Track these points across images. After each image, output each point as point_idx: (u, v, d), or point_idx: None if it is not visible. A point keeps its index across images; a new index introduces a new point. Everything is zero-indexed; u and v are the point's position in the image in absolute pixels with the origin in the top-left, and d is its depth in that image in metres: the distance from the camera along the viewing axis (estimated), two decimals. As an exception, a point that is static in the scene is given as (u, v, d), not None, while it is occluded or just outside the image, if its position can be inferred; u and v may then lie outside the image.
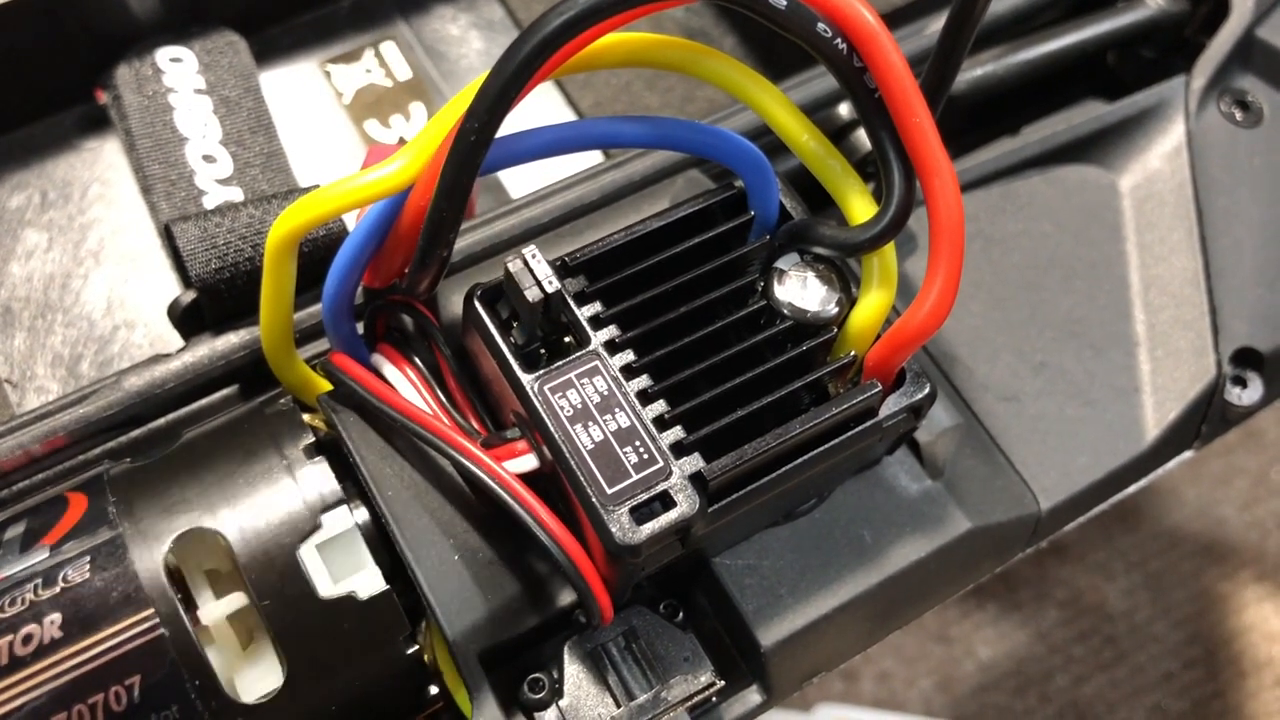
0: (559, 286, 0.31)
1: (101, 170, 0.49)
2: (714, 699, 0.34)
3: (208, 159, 0.46)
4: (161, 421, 0.38)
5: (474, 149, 0.29)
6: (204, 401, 0.38)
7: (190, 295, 0.39)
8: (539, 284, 0.31)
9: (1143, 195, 0.42)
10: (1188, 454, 0.40)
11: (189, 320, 0.39)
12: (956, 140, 0.44)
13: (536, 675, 0.34)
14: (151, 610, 0.30)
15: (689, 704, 0.33)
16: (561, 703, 0.33)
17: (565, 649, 0.33)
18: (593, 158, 0.46)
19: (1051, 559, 0.64)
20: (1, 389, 0.43)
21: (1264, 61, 0.44)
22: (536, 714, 0.34)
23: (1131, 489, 0.39)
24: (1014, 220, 0.41)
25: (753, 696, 0.35)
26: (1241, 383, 0.40)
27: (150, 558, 0.31)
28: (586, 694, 0.33)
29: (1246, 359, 0.40)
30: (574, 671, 0.33)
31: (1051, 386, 0.39)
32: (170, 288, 0.46)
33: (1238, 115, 0.43)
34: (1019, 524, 0.37)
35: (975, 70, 0.43)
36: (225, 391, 0.39)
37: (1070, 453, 0.38)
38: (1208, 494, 0.68)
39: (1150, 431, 0.39)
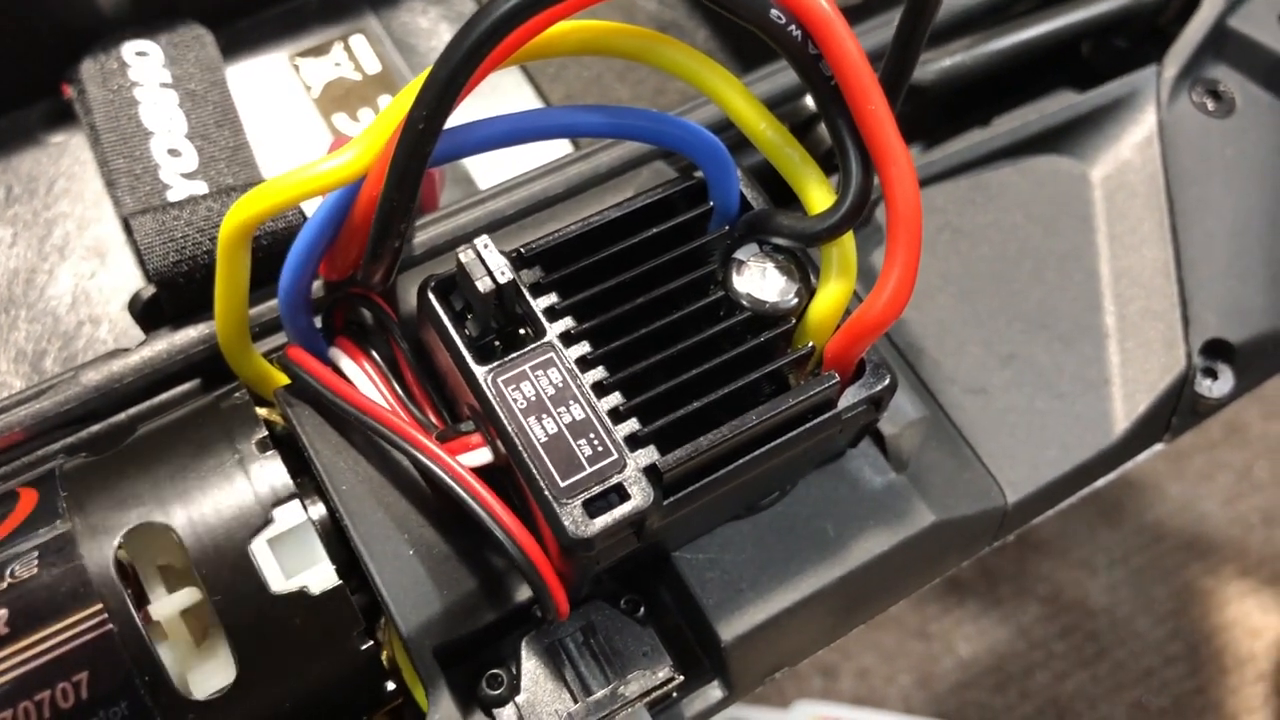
0: (512, 277, 0.31)
1: (67, 165, 0.48)
2: (674, 695, 0.34)
3: (173, 153, 0.45)
4: (121, 417, 0.38)
5: (422, 137, 0.28)
6: (163, 396, 0.38)
7: (150, 290, 0.39)
8: (491, 274, 0.30)
9: (1114, 186, 0.41)
10: (1158, 446, 0.40)
11: (149, 314, 0.39)
12: (927, 133, 0.43)
13: (495, 671, 0.33)
14: (100, 605, 0.30)
15: (647, 699, 0.32)
16: (519, 699, 0.32)
17: (522, 645, 0.33)
18: (560, 150, 0.46)
19: (1033, 554, 0.64)
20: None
21: (1236, 51, 0.43)
22: (495, 710, 0.33)
23: (1101, 482, 0.39)
24: (983, 211, 0.41)
25: (714, 692, 0.34)
26: (1212, 374, 0.39)
27: (100, 552, 0.30)
28: (544, 690, 0.32)
29: (1217, 350, 0.39)
30: (531, 667, 0.33)
31: (1020, 379, 0.39)
32: (135, 283, 0.46)
33: (1210, 105, 0.42)
34: (985, 517, 0.37)
35: (945, 60, 0.43)
36: (186, 386, 0.38)
37: (1038, 445, 0.38)
38: (1190, 490, 0.68)
39: (1119, 424, 0.38)
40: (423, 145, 0.29)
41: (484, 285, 0.30)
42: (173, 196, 0.45)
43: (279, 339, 0.38)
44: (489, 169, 0.49)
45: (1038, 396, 0.38)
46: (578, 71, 0.52)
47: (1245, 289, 0.40)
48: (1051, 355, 0.39)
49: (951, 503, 0.36)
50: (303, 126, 0.49)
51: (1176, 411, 0.39)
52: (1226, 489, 0.68)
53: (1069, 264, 0.40)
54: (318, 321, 0.36)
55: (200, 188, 0.45)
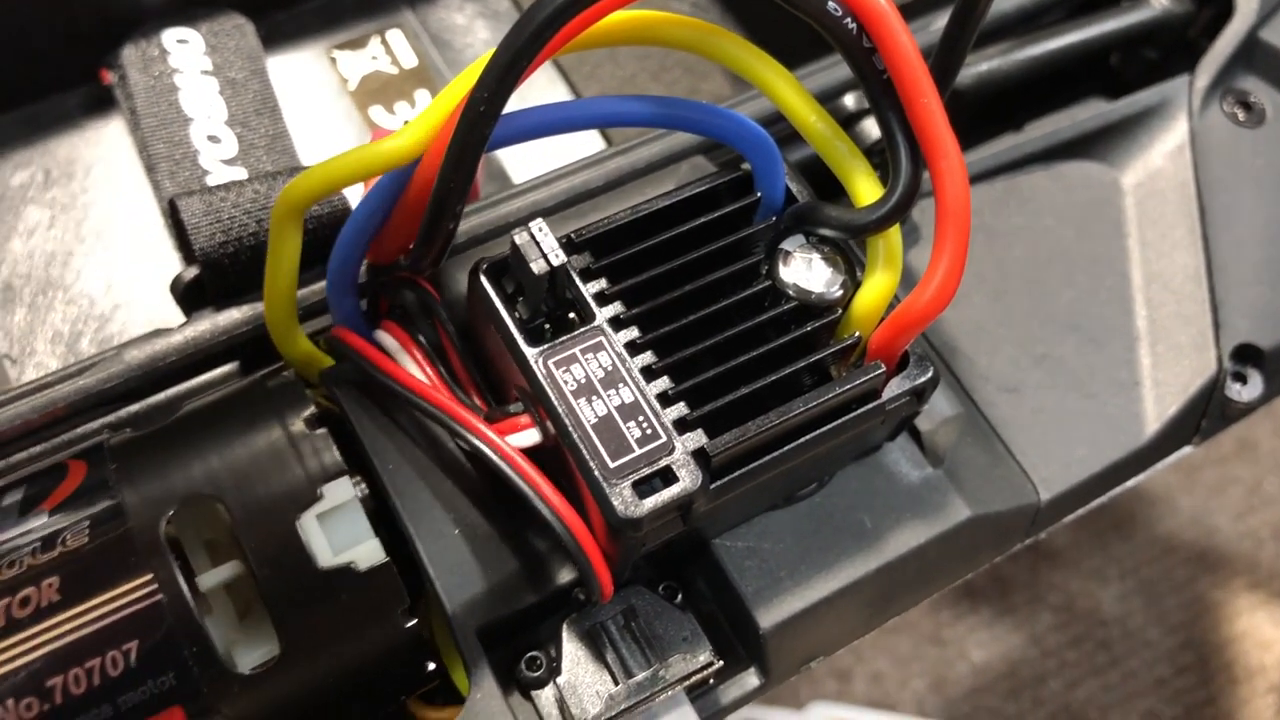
0: (565, 260, 0.31)
1: (105, 150, 0.49)
2: (711, 680, 0.34)
3: (212, 139, 0.46)
4: (161, 396, 0.38)
5: (482, 119, 0.29)
6: (204, 377, 0.38)
7: (193, 271, 0.39)
8: (545, 256, 0.31)
9: (1145, 192, 0.42)
10: (1187, 449, 0.40)
11: (191, 296, 0.39)
12: (962, 135, 0.44)
13: (534, 654, 0.34)
14: (150, 576, 0.30)
15: (687, 683, 0.33)
16: (559, 680, 0.33)
17: (564, 627, 0.33)
18: (595, 146, 0.46)
19: (1045, 564, 0.64)
20: (0, 365, 0.43)
21: (1267, 63, 0.44)
22: (534, 692, 0.34)
23: (1131, 482, 0.39)
24: (1017, 214, 0.42)
25: (750, 679, 0.35)
26: (1241, 379, 0.40)
27: (149, 524, 0.31)
28: (585, 671, 0.33)
29: (1247, 355, 0.40)
30: (572, 650, 0.33)
31: (1052, 379, 0.39)
32: (171, 267, 0.46)
33: (1240, 115, 0.43)
34: (1018, 514, 0.37)
35: (981, 66, 0.43)
36: (225, 368, 0.38)
37: (1070, 444, 0.38)
38: (1202, 503, 0.68)
39: (1150, 425, 0.39)
40: (482, 126, 0.29)
41: (538, 267, 0.31)
42: (211, 181, 0.45)
43: (321, 323, 0.38)
44: (522, 163, 0.49)
45: (1070, 396, 0.39)
46: (612, 70, 0.52)
47: (1275, 295, 0.40)
48: (1083, 356, 0.39)
49: (986, 498, 0.36)
50: (339, 118, 0.50)
51: (1206, 414, 0.40)
52: (1237, 503, 0.68)
53: (1101, 267, 0.41)
54: (362, 305, 0.37)
55: (239, 174, 0.45)
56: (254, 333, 0.38)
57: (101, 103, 0.49)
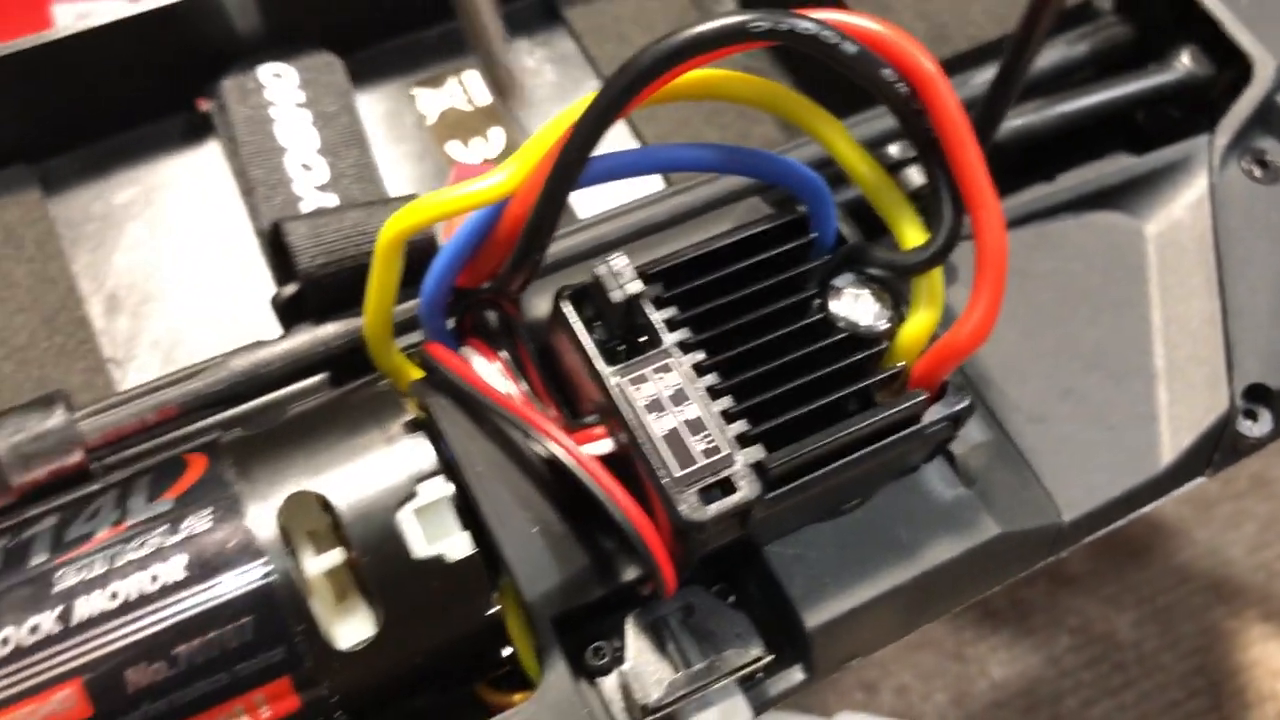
0: (642, 289, 0.35)
1: (202, 173, 0.53)
2: (761, 674, 0.38)
3: (305, 167, 0.50)
4: (259, 401, 0.42)
5: (577, 161, 0.33)
6: (299, 385, 0.42)
7: (293, 287, 0.43)
8: (622, 287, 0.34)
9: (1166, 241, 0.45)
10: (1200, 480, 0.43)
11: (290, 311, 0.43)
12: (998, 184, 0.47)
13: (599, 644, 0.37)
14: (265, 559, 0.34)
15: (740, 674, 0.36)
16: (623, 668, 0.36)
17: (628, 620, 0.37)
18: (657, 184, 0.50)
19: (1064, 590, 0.67)
20: (106, 368, 0.47)
21: (1282, 125, 0.47)
22: (598, 679, 0.37)
23: (1148, 508, 0.43)
24: (1046, 259, 0.45)
25: (796, 674, 0.38)
26: (1253, 416, 0.43)
27: (264, 513, 0.34)
28: (647, 660, 0.36)
29: (1258, 394, 0.43)
30: (636, 640, 0.36)
31: (1076, 411, 0.42)
32: (262, 282, 0.50)
33: (1257, 172, 0.46)
34: (1043, 533, 0.40)
35: (1016, 121, 0.47)
36: (317, 378, 0.42)
37: (1092, 471, 0.41)
38: (1218, 536, 0.71)
39: (1166, 456, 0.42)
40: (576, 167, 0.33)
41: (617, 296, 0.34)
42: (304, 207, 0.49)
43: (409, 339, 0.42)
44: (586, 199, 0.53)
45: (1092, 427, 0.42)
46: (667, 113, 0.56)
47: (1285, 340, 0.44)
48: (1105, 391, 0.43)
49: (1014, 516, 0.39)
50: (419, 150, 0.54)
51: (1218, 448, 0.43)
52: (1252, 537, 0.71)
53: (1123, 310, 0.44)
54: (450, 324, 0.40)
55: (331, 199, 0.49)
56: (348, 346, 0.42)
57: (199, 130, 0.54)
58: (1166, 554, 0.70)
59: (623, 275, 0.35)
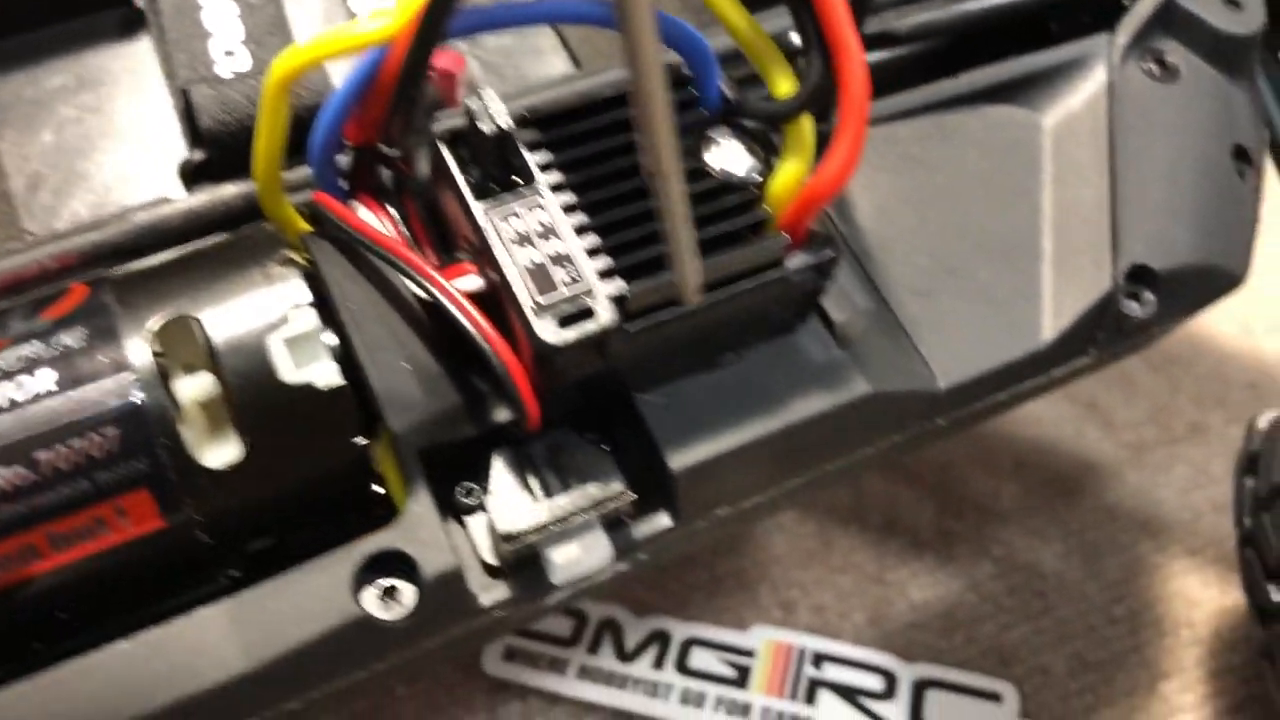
0: (511, 124, 0.35)
1: (134, 64, 0.54)
2: (627, 519, 0.38)
3: (229, 54, 0.51)
4: (163, 257, 0.43)
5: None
6: (201, 242, 0.43)
7: (200, 154, 0.44)
8: (493, 119, 0.35)
9: (1062, 133, 0.46)
10: (1084, 359, 0.44)
11: (197, 175, 0.44)
12: (899, 80, 0.48)
13: (469, 484, 0.38)
14: (134, 376, 0.35)
15: (601, 510, 0.37)
16: (486, 499, 0.37)
17: (495, 456, 0.38)
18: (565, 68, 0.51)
19: (991, 522, 0.68)
20: (24, 238, 0.48)
21: (1183, 26, 0.48)
22: (466, 518, 0.38)
23: (1028, 384, 0.43)
24: (942, 147, 0.46)
25: (662, 519, 0.39)
26: (1136, 297, 0.44)
27: (137, 334, 0.35)
28: (509, 493, 0.37)
29: (1141, 276, 0.44)
30: (501, 475, 0.37)
31: (961, 287, 0.43)
32: (185, 167, 0.51)
33: (1156, 72, 0.47)
34: (917, 397, 0.41)
35: (921, 16, 0.48)
36: (221, 237, 0.43)
37: (972, 344, 0.42)
38: (1150, 478, 0.72)
39: (1047, 332, 0.43)
40: (443, 6, 0.34)
41: (488, 129, 0.35)
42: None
43: (306, 198, 0.43)
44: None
45: (976, 303, 0.43)
46: None
47: (1172, 225, 0.44)
48: (991, 270, 0.43)
49: (887, 379, 0.40)
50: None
51: (1102, 327, 0.43)
52: (1183, 480, 0.72)
53: (1015, 196, 0.45)
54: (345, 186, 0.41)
55: (250, 83, 0.50)
56: (248, 206, 0.43)
57: (133, 23, 0.55)
58: (1097, 492, 0.70)
59: (493, 107, 0.35)
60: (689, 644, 0.62)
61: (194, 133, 0.45)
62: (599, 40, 0.56)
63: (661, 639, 0.62)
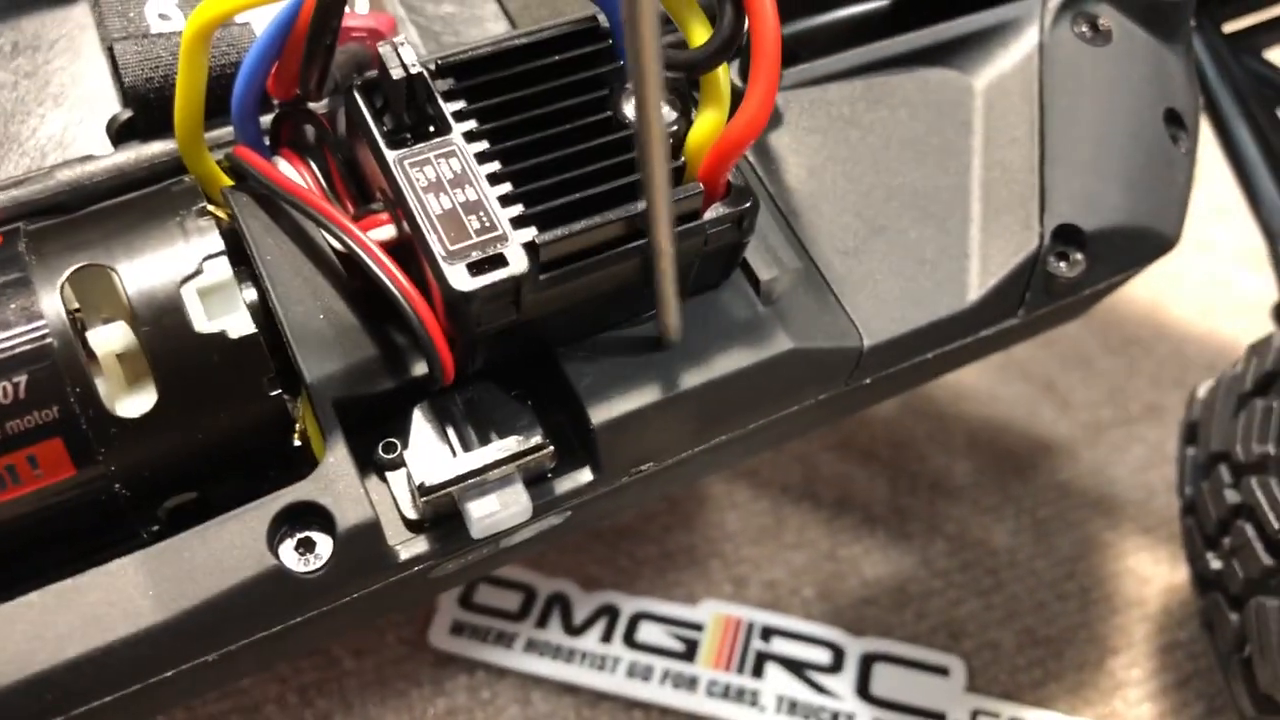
0: (421, 70, 0.35)
1: (70, 29, 0.53)
2: (549, 474, 0.38)
3: (163, 16, 0.51)
4: (87, 213, 0.42)
5: (353, -62, 0.33)
6: (126, 198, 0.43)
7: (126, 113, 0.44)
8: (403, 65, 0.35)
9: (993, 95, 0.46)
10: (1012, 321, 0.44)
11: (123, 135, 0.44)
12: (836, 42, 0.48)
13: (390, 440, 0.38)
14: (44, 322, 0.34)
15: (519, 462, 0.36)
16: (406, 454, 0.37)
17: (414, 410, 0.37)
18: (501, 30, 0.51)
19: (944, 500, 0.68)
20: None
21: (1116, -10, 0.48)
22: (388, 474, 0.38)
23: (955, 344, 0.43)
24: (874, 109, 0.46)
25: (584, 474, 0.38)
26: (1064, 257, 0.44)
27: (49, 283, 0.35)
28: (428, 447, 0.37)
29: (1069, 236, 0.44)
30: (419, 429, 0.37)
31: (889, 247, 0.43)
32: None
33: (1089, 34, 0.47)
34: (841, 354, 0.41)
35: (855, -22, 0.48)
36: (145, 191, 0.43)
37: (898, 303, 0.42)
38: (1105, 456, 0.72)
39: (973, 291, 0.43)
40: (354, -53, 0.34)
41: (397, 73, 0.35)
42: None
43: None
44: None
45: (903, 263, 0.43)
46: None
47: (1101, 186, 0.44)
48: (919, 230, 0.43)
49: (810, 335, 0.40)
50: (276, 8, 0.54)
51: (1030, 288, 0.43)
52: (1138, 459, 0.72)
53: (945, 157, 0.45)
54: (267, 141, 0.41)
55: (184, 46, 0.50)
56: (174, 163, 0.42)
57: (72, -10, 0.54)
58: (1051, 470, 0.70)
59: (404, 54, 0.35)
60: (637, 618, 0.62)
61: (122, 91, 0.44)
62: (539, 9, 0.56)
63: (610, 613, 0.62)
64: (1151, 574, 0.66)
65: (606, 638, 0.61)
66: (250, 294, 0.38)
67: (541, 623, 0.62)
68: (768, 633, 0.62)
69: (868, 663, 0.61)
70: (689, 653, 0.61)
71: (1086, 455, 0.72)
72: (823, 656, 0.61)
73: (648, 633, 0.62)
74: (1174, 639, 0.63)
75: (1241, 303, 0.83)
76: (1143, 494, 0.70)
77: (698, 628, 0.62)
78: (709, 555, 0.65)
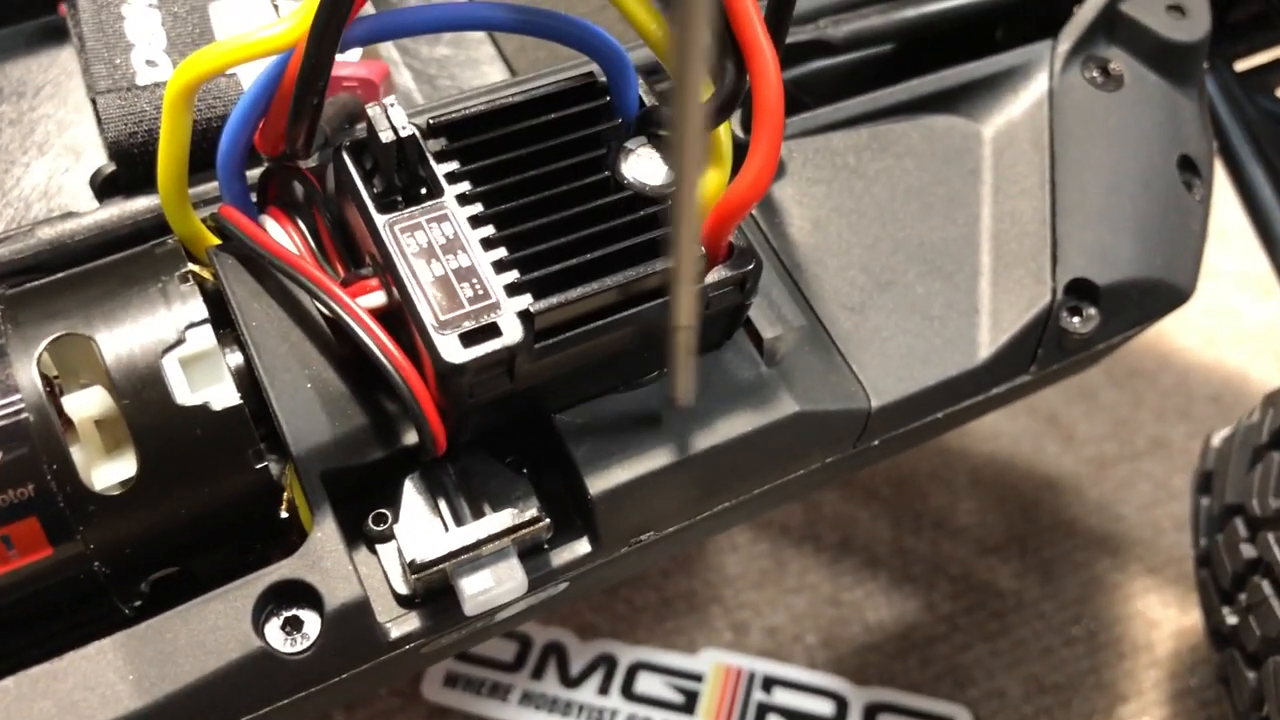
0: (413, 131, 0.34)
1: (56, 74, 0.52)
2: (545, 546, 0.37)
3: (150, 64, 0.49)
4: (68, 274, 0.41)
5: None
6: (106, 261, 0.41)
7: (110, 166, 0.42)
8: (393, 128, 0.34)
9: (1002, 143, 0.45)
10: (1024, 378, 0.43)
11: (107, 189, 0.43)
12: (837, 90, 0.47)
13: (381, 511, 0.36)
14: (19, 397, 0.33)
15: (515, 535, 0.35)
16: (397, 527, 0.35)
17: (405, 482, 0.36)
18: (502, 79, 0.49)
19: (948, 540, 0.66)
20: (-65, 256, 0.46)
21: (1126, 34, 0.47)
22: (378, 546, 0.36)
23: (966, 403, 0.42)
24: (880, 158, 0.44)
25: (582, 545, 0.37)
26: (1078, 312, 0.42)
27: (25, 354, 0.34)
28: (420, 521, 0.35)
29: (1083, 290, 0.42)
30: (411, 501, 0.36)
31: (896, 303, 0.42)
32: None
33: (1099, 79, 0.46)
34: (848, 416, 0.40)
35: (855, 23, 0.46)
36: (127, 254, 0.42)
37: (906, 362, 0.41)
38: (1110, 494, 0.70)
39: (984, 349, 0.41)
40: (340, 7, 0.32)
41: (386, 136, 0.34)
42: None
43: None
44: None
45: (911, 319, 0.41)
46: None
47: (1114, 238, 0.43)
48: (928, 285, 0.42)
49: (817, 397, 0.39)
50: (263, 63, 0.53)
51: (1042, 344, 0.42)
52: (1144, 496, 0.70)
53: (953, 208, 0.44)
54: (254, 199, 0.40)
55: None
56: (158, 220, 0.41)
57: (56, 33, 0.53)
58: (1056, 509, 0.69)
59: (393, 115, 0.34)
60: (636, 668, 0.61)
61: (105, 144, 0.43)
62: (536, 51, 0.54)
63: (608, 663, 0.61)
64: (1160, 617, 0.65)
65: (604, 689, 0.60)
66: (235, 358, 0.36)
67: (537, 674, 0.60)
68: (769, 683, 0.60)
69: (871, 713, 0.60)
70: (689, 705, 0.60)
71: (1092, 492, 0.71)
72: (825, 708, 0.60)
73: (646, 684, 0.60)
74: (1184, 686, 0.62)
75: (1245, 331, 0.82)
76: (1150, 532, 0.69)
77: (698, 678, 0.61)
78: (709, 601, 0.64)
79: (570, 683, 0.60)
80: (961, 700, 0.61)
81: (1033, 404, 0.75)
